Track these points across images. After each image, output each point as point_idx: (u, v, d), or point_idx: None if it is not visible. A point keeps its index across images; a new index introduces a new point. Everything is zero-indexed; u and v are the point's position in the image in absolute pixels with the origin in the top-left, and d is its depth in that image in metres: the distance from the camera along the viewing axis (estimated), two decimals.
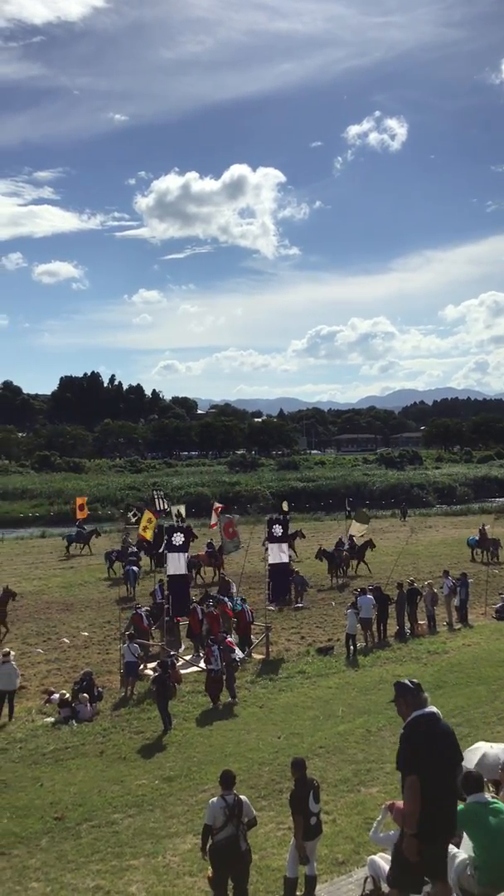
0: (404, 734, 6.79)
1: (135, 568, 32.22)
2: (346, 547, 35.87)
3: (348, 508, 44.59)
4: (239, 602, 24.03)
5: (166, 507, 37.50)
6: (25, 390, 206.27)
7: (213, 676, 18.31)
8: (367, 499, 68.19)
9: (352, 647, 22.14)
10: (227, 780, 9.25)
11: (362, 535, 37.14)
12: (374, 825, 8.78)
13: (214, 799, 9.15)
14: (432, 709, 6.87)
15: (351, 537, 36.81)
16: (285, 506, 35.95)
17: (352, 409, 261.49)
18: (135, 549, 35.13)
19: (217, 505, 39.06)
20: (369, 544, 36.81)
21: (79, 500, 46.23)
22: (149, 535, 29.16)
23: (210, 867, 9.11)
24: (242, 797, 9.22)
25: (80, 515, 47.93)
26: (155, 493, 44.00)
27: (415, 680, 7.08)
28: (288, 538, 33.39)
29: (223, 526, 31.37)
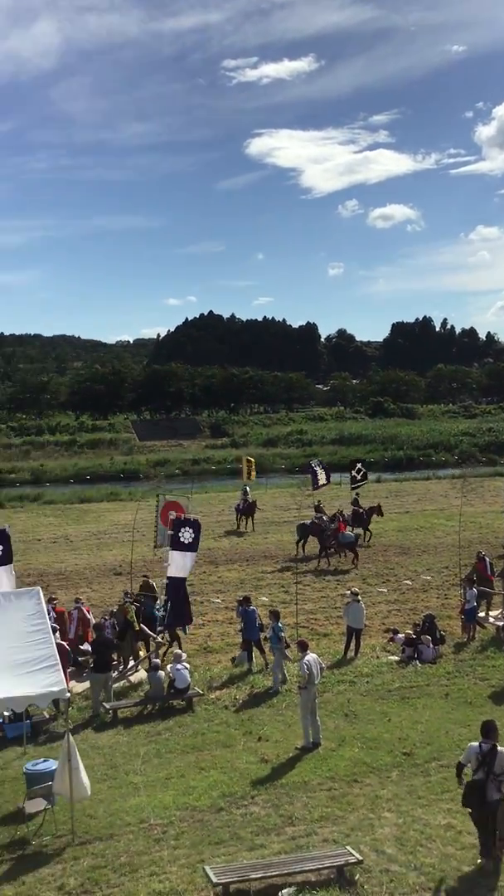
0: None
1: None
2: None
3: None
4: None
5: None
6: (358, 338, 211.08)
7: None
8: None
9: None
10: (488, 730, 9.72)
11: None
12: None
13: (475, 743, 9.74)
14: None
15: None
16: None
17: None
18: None
19: None
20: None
21: None
22: None
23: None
24: (501, 748, 9.49)
25: None
26: None
27: None
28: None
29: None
